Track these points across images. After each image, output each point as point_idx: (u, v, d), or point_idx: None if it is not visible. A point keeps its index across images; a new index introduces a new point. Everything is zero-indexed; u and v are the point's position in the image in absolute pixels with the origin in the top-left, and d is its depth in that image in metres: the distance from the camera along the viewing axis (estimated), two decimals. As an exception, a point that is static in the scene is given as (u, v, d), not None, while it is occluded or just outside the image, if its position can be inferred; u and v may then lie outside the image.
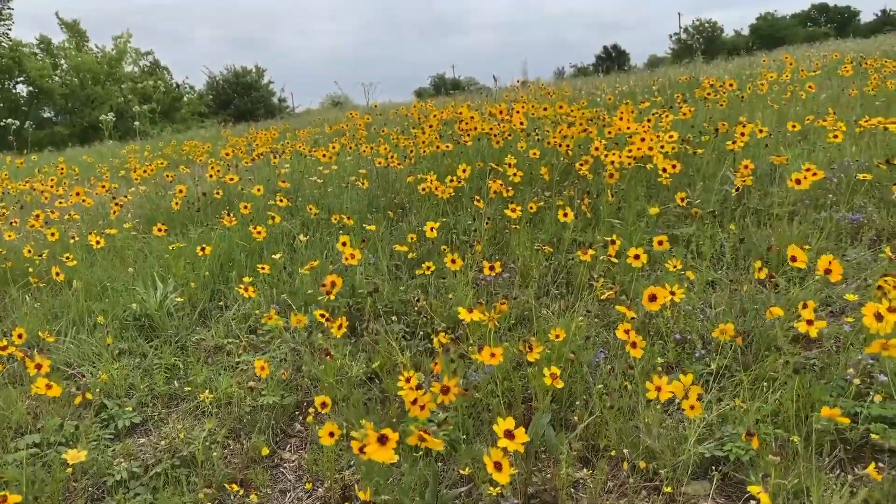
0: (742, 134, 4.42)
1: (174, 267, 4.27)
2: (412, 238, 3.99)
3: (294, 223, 5.11)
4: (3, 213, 5.08)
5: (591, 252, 2.93)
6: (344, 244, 3.43)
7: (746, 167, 4.32)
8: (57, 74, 32.95)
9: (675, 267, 2.97)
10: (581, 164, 4.65)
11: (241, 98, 39.91)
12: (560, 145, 5.19)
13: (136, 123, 12.77)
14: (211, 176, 5.73)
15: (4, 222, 5.04)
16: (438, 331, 2.47)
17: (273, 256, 4.05)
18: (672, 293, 2.72)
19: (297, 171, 6.28)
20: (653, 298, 2.15)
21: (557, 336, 2.53)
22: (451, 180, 4.67)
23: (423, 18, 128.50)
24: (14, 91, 32.86)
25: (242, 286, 3.28)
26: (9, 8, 34.12)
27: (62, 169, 7.34)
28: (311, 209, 4.94)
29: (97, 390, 3.17)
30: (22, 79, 32.31)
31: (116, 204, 4.95)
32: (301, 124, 16.97)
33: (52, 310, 4.30)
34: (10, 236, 4.70)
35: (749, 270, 3.78)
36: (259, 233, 4.32)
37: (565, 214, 3.63)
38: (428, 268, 3.35)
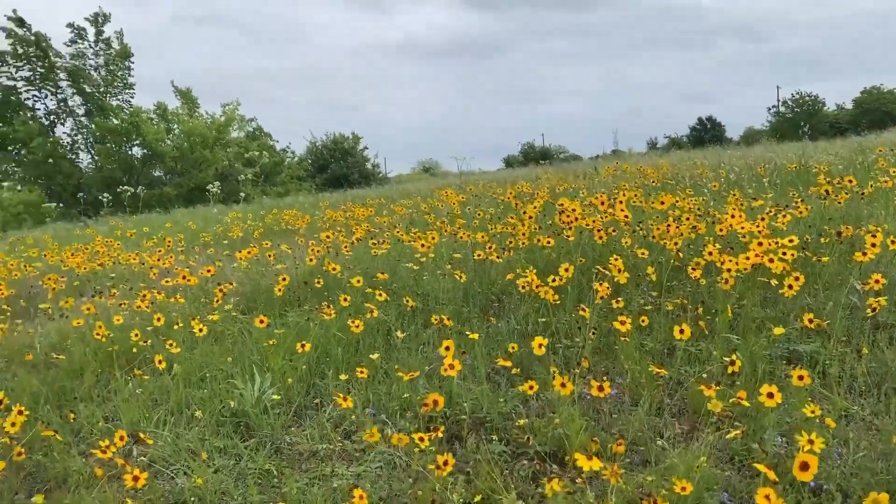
0: (873, 245, 4.08)
1: (272, 361, 4.25)
2: (514, 348, 3.83)
3: (390, 313, 5.05)
4: (113, 293, 5.28)
5: (715, 388, 2.68)
6: (447, 349, 3.31)
7: (878, 281, 3.98)
8: (169, 138, 35.08)
9: (812, 412, 2.68)
10: (693, 268, 4.41)
11: (338, 163, 41.35)
12: (667, 243, 4.96)
13: (242, 194, 13.38)
14: (311, 260, 5.79)
15: (114, 303, 5.23)
16: (551, 477, 2.29)
17: (371, 356, 3.96)
18: (811, 441, 2.45)
19: (394, 257, 6.28)
20: (805, 467, 1.90)
21: (684, 489, 2.29)
22: (553, 279, 4.51)
23: (511, 86, 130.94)
24: (130, 153, 35.18)
25: (341, 396, 3.20)
26: (130, 75, 36.94)
27: (168, 242, 7.62)
28: (407, 301, 4.88)
29: (190, 499, 3.12)
30: (138, 142, 34.55)
31: (220, 290, 5.03)
32: (394, 192, 17.31)
33: (152, 395, 4.34)
34: (118, 320, 4.84)
35: (889, 401, 3.41)
36: (357, 326, 4.27)
37: (681, 331, 3.39)
38: (531, 386, 3.17)
